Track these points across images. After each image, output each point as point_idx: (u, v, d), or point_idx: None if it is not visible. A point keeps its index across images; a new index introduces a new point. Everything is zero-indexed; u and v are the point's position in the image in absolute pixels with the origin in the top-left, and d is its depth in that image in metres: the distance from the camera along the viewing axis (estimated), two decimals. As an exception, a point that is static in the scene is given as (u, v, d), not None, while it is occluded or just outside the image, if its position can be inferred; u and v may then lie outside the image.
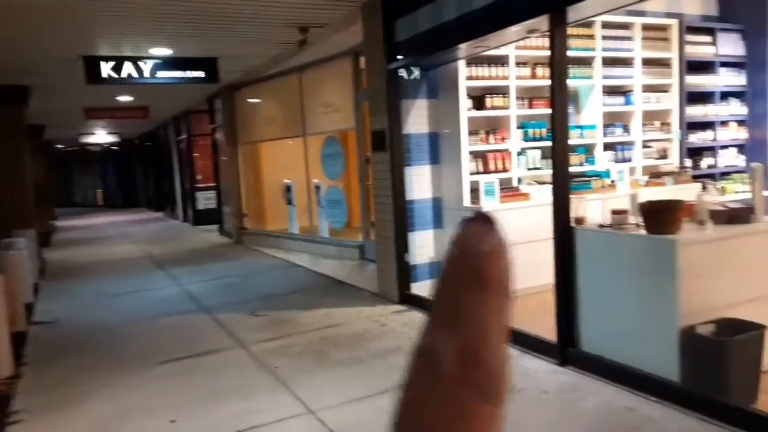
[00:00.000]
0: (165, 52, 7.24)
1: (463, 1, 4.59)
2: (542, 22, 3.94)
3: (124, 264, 9.35)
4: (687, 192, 4.95)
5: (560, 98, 3.85)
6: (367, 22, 5.81)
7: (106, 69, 7.08)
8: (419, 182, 5.78)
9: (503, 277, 0.31)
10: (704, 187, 5.50)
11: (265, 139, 10.26)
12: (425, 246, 5.83)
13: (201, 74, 7.58)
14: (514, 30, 4.39)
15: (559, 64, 3.83)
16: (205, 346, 4.76)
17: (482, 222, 0.32)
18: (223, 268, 8.28)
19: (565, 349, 3.86)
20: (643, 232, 3.43)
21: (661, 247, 3.25)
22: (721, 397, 3.03)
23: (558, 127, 3.89)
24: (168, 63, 7.41)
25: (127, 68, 7.19)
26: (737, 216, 3.47)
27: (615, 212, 3.74)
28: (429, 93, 5.81)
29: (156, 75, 7.36)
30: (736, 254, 3.36)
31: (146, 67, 7.27)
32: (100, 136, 18.79)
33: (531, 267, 4.89)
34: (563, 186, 3.88)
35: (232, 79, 9.49)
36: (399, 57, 5.45)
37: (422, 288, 5.76)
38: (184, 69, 7.52)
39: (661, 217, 3.29)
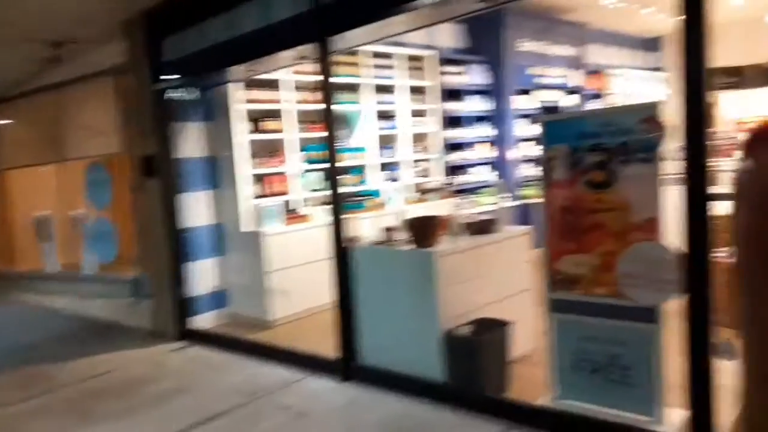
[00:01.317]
0: None
1: (232, 24, 4.54)
2: (311, 49, 4.06)
3: None
4: (448, 206, 5.51)
5: (330, 122, 4.00)
6: (131, 40, 5.41)
7: None
8: (197, 209, 5.52)
9: None
10: (461, 202, 6.17)
11: (15, 166, 8.91)
12: (206, 276, 5.58)
13: None
14: (284, 56, 4.45)
15: (327, 90, 3.98)
16: (-68, 420, 3.91)
17: None
18: (-38, 321, 6.94)
19: (348, 365, 3.98)
20: (409, 246, 3.70)
21: (423, 260, 3.54)
22: (479, 390, 3.38)
23: (330, 149, 4.02)
24: None
25: None
26: (484, 227, 3.94)
27: (387, 229, 3.98)
28: (204, 115, 5.61)
29: None
30: (485, 261, 3.80)
31: None
32: None
33: (315, 287, 5.00)
34: (338, 206, 4.01)
35: (-32, 97, 8.10)
36: (167, 77, 5.17)
37: (204, 321, 5.49)
38: None
39: (421, 231, 3.59)
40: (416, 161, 6.93)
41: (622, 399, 2.92)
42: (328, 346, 4.11)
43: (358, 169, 6.37)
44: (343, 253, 3.97)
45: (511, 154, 7.63)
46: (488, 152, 7.69)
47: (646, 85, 9.61)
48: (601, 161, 2.85)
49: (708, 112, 2.35)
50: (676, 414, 2.77)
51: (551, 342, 3.16)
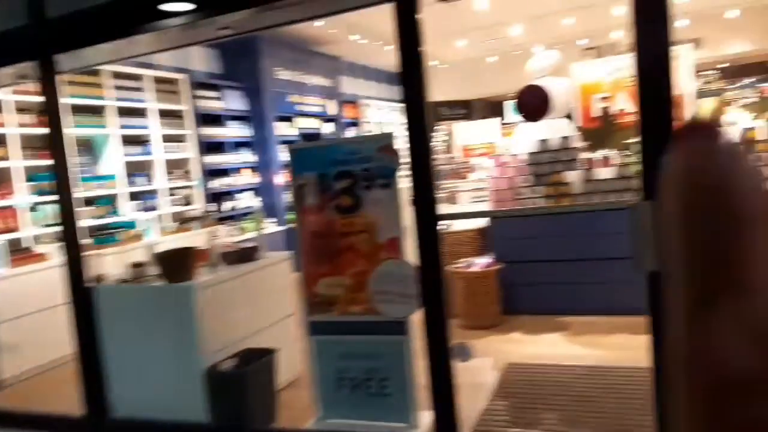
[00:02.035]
0: None
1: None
2: (33, 67, 3.57)
3: None
4: (212, 235, 5.28)
5: (59, 147, 3.55)
6: None
7: None
8: None
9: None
10: (224, 230, 5.99)
11: None
12: None
13: None
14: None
15: (53, 113, 3.53)
16: None
17: (706, 138, 0.24)
18: None
19: (95, 421, 3.52)
20: (161, 282, 3.44)
21: (179, 295, 3.32)
22: (246, 425, 3.26)
23: (61, 178, 3.56)
24: None
25: None
26: (245, 255, 3.86)
27: (134, 265, 3.65)
28: None
29: None
30: (248, 289, 3.72)
31: None
32: None
33: (55, 336, 4.35)
34: (73, 243, 3.56)
35: None
36: None
37: None
38: None
39: (173, 265, 3.37)
40: (174, 189, 6.55)
41: (381, 410, 3.08)
42: (73, 403, 3.60)
43: (107, 200, 5.78)
44: (84, 295, 3.53)
45: (277, 179, 7.68)
46: (251, 178, 7.64)
47: (396, 115, 10.55)
48: (347, 187, 3.00)
49: (430, 141, 2.64)
50: (426, 416, 3.01)
51: (312, 364, 3.20)
